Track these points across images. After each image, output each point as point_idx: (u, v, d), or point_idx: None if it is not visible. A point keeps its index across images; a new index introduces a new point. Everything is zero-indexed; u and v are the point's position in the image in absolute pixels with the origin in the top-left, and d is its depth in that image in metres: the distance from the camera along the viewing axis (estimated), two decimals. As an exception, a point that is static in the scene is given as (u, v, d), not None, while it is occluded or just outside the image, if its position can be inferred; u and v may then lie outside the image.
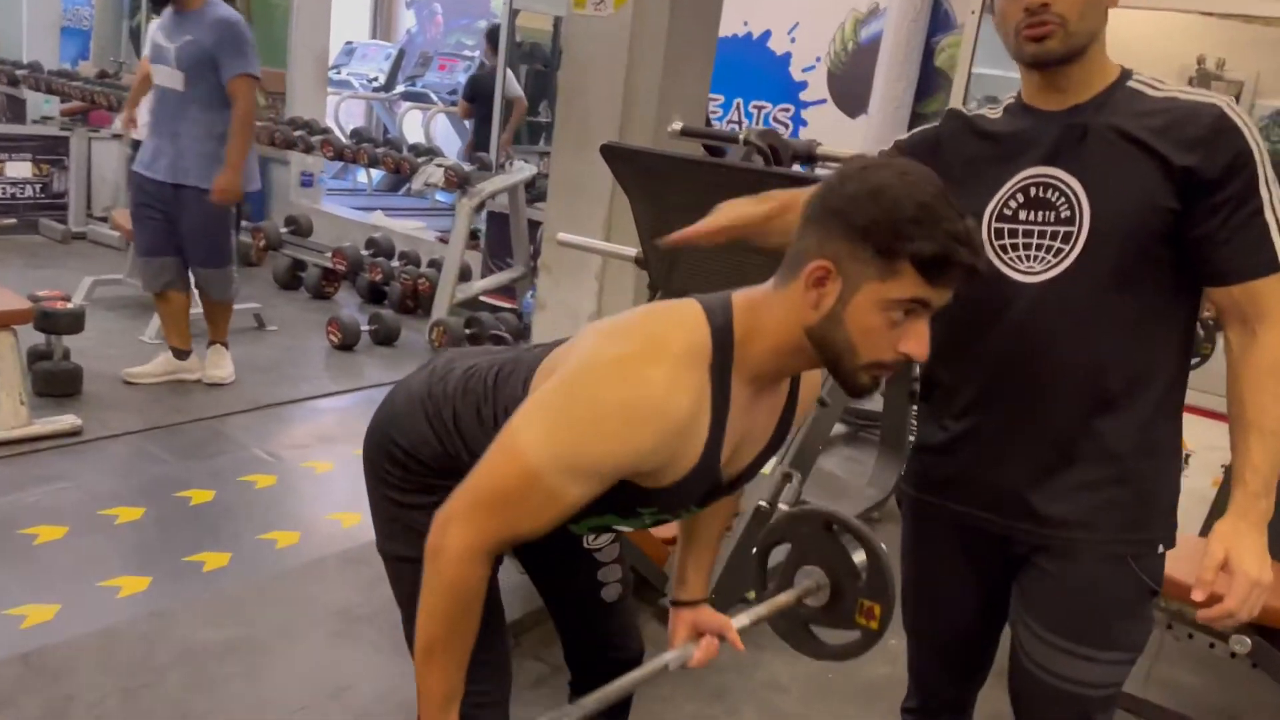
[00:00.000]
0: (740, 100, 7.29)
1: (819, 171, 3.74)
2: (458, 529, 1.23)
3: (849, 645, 1.58)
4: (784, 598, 1.55)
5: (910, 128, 6.22)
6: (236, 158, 4.02)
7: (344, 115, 9.62)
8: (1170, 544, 1.48)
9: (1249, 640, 2.43)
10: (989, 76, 4.90)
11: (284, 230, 6.50)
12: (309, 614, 2.73)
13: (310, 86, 7.57)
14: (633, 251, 3.50)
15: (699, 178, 3.01)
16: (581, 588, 1.68)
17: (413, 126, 10.30)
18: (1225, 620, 1.32)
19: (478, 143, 7.64)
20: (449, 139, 9.41)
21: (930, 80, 6.21)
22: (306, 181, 7.45)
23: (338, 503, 3.46)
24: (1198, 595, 1.31)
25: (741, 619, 1.52)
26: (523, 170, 5.89)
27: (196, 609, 2.68)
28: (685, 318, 1.25)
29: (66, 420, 3.71)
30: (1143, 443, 1.44)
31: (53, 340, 4.10)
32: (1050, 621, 1.48)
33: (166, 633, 2.55)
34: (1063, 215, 1.41)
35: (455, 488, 1.40)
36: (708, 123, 5.93)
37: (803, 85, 7.12)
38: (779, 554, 1.65)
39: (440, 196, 8.24)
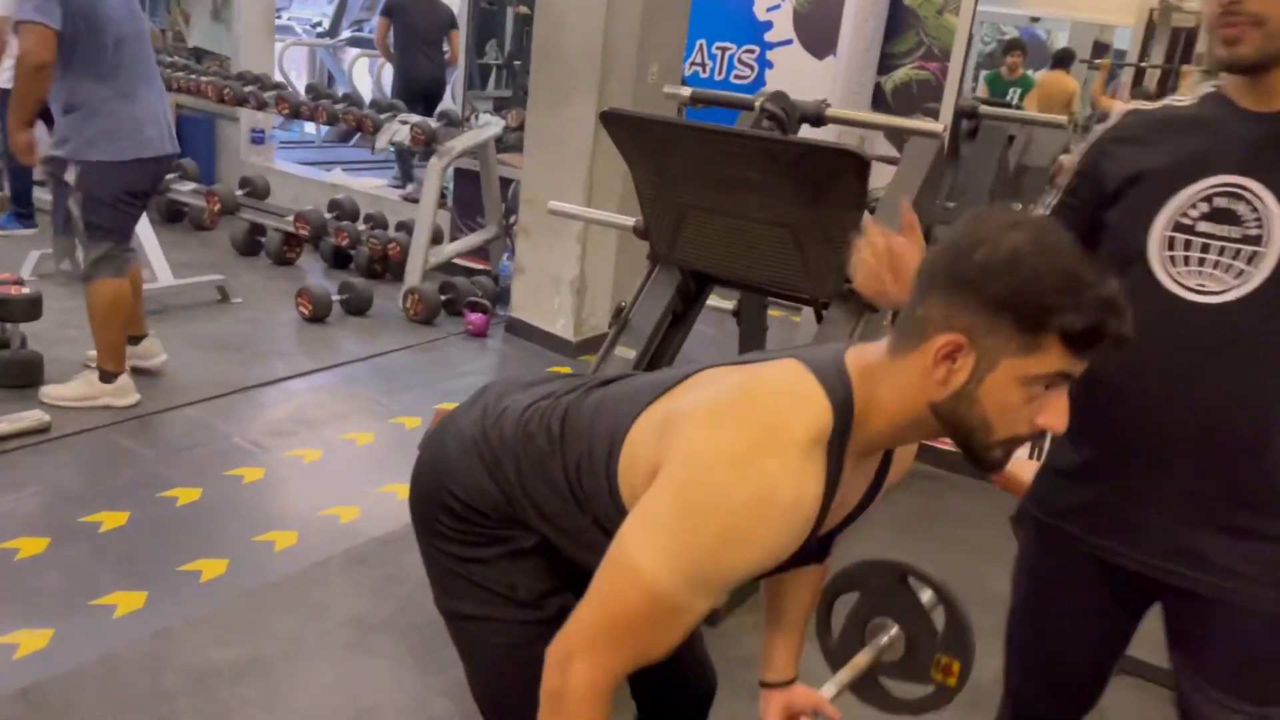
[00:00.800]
0: (703, 42, 7.08)
1: (826, 134, 3.60)
2: (582, 667, 1.11)
3: (923, 700, 1.50)
4: (863, 658, 1.47)
5: (880, 70, 6.16)
6: (12, 116, 3.46)
7: (287, 63, 9.19)
8: None
9: None
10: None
11: (239, 193, 6.21)
12: (320, 625, 2.59)
13: (257, 37, 7.19)
14: (630, 220, 3.34)
15: (708, 146, 2.86)
16: None
17: (361, 75, 9.91)
18: None
19: (402, 78, 7.24)
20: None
21: (900, 19, 6.04)
22: (258, 139, 7.12)
23: (332, 495, 3.31)
24: None
25: (829, 688, 1.44)
26: (490, 125, 5.66)
27: (201, 627, 2.53)
28: (802, 393, 1.10)
29: (33, 417, 3.49)
30: None
31: (8, 328, 3.85)
32: (1227, 684, 1.37)
33: (172, 656, 2.41)
34: (1252, 231, 1.29)
35: (523, 540, 1.28)
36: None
37: (767, 26, 6.92)
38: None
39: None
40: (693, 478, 1.07)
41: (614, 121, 2.93)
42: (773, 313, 4.30)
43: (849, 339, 3.03)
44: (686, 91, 3.22)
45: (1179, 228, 1.33)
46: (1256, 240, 1.28)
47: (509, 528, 1.29)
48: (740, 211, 2.92)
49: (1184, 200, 1.33)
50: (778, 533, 1.07)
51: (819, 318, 3.11)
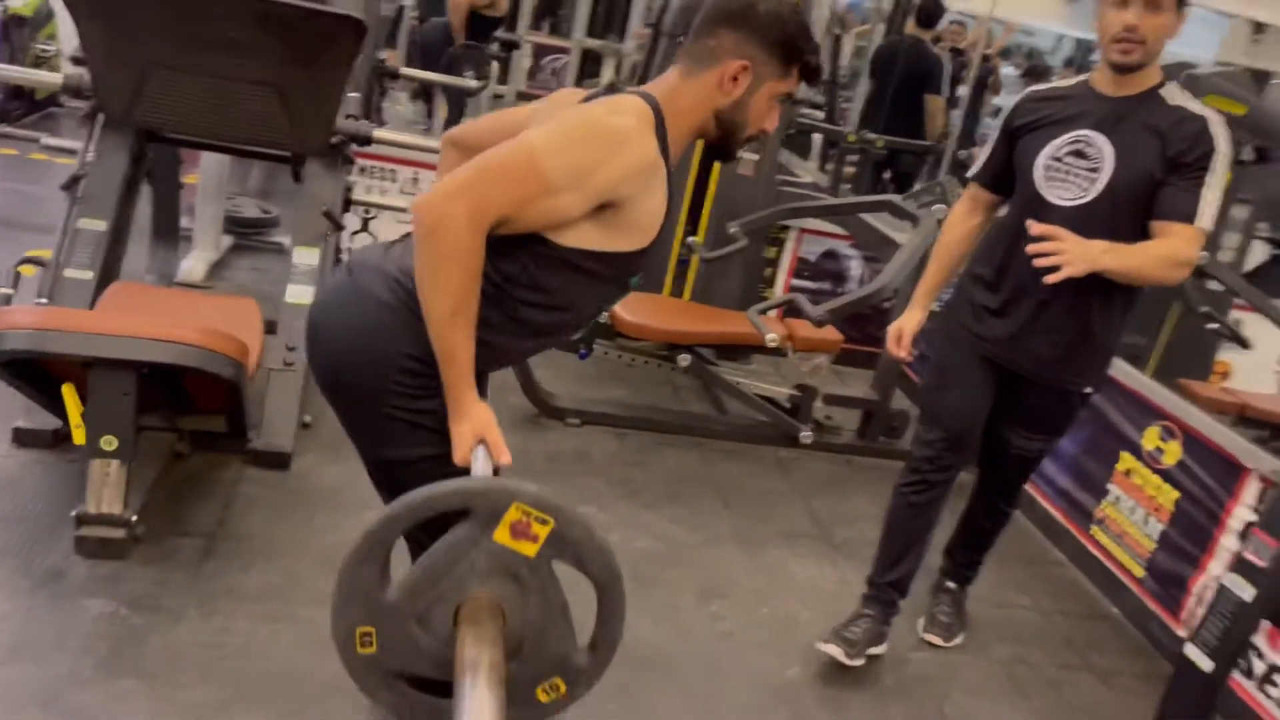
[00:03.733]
0: None
1: None
2: (461, 200, 1.38)
3: None
4: None
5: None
6: None
7: None
8: (1099, 389, 2.40)
9: (689, 357, 3.53)
10: None
11: None
12: None
13: None
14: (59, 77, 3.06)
15: (192, 4, 2.79)
16: None
17: None
18: (1056, 259, 1.92)
19: None
20: None
21: None
22: None
23: None
24: (1038, 233, 1.97)
25: None
26: None
27: None
28: (628, 101, 1.53)
29: None
30: (1106, 319, 2.25)
31: None
32: (1030, 425, 2.44)
33: None
34: (1092, 165, 2.13)
35: None
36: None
37: None
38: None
39: None
40: (576, 112, 1.49)
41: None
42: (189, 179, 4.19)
43: (334, 190, 3.30)
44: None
45: (1053, 158, 2.19)
46: (1095, 170, 2.14)
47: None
48: (220, 70, 2.94)
49: (1058, 144, 2.19)
50: (626, 154, 1.45)
51: (296, 175, 3.29)
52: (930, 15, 5.89)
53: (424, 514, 1.23)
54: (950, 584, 2.77)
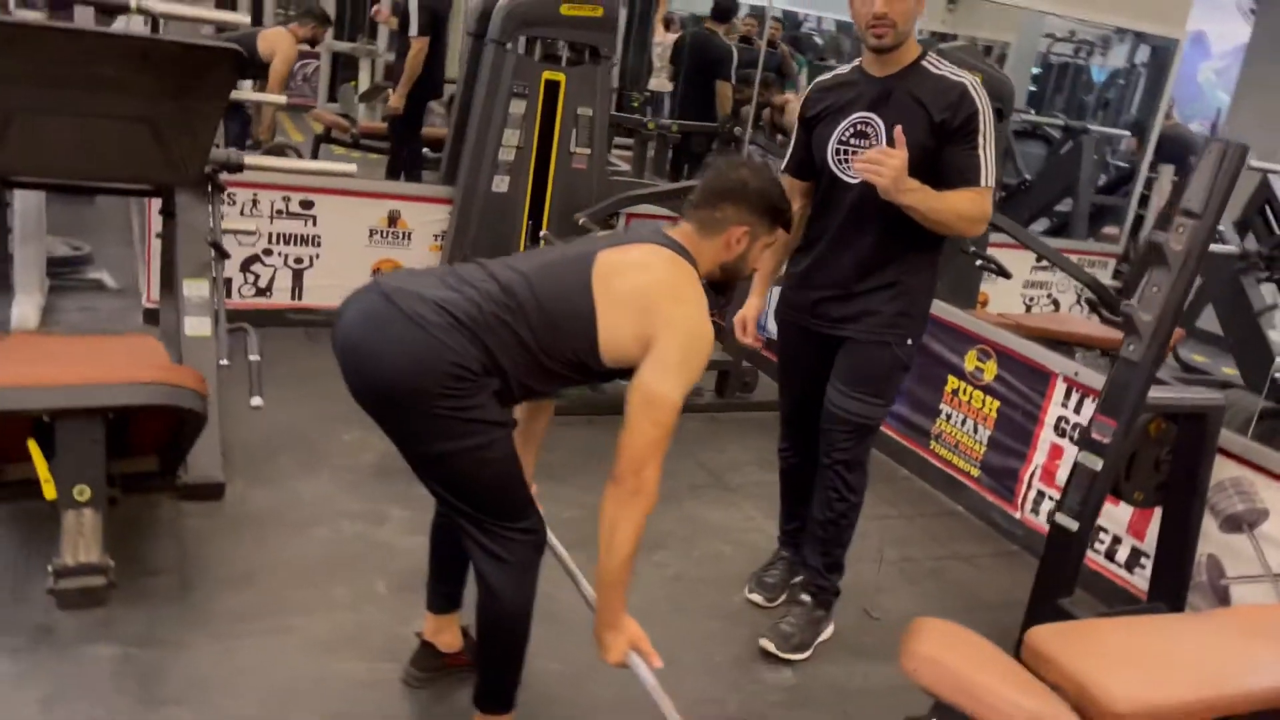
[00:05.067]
0: None
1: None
2: (651, 470, 1.76)
3: None
4: None
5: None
6: None
7: None
8: (919, 339, 2.50)
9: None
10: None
11: None
12: None
13: None
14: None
15: (58, 47, 2.73)
16: None
17: None
18: (876, 169, 2.19)
19: None
20: None
21: None
22: None
23: None
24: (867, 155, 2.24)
25: None
26: None
27: None
28: (684, 264, 1.90)
29: None
30: (908, 276, 2.41)
31: None
32: (849, 380, 2.47)
33: None
34: (874, 143, 2.31)
35: (494, 384, 1.81)
36: None
37: None
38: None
39: None
40: (687, 332, 1.81)
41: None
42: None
43: (209, 215, 3.31)
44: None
45: (840, 142, 2.38)
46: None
47: (489, 376, 1.77)
48: (91, 110, 2.90)
49: (843, 127, 2.38)
50: (710, 348, 1.88)
51: (171, 207, 3.27)
52: (724, 11, 6.46)
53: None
54: (803, 595, 2.69)
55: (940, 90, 2.30)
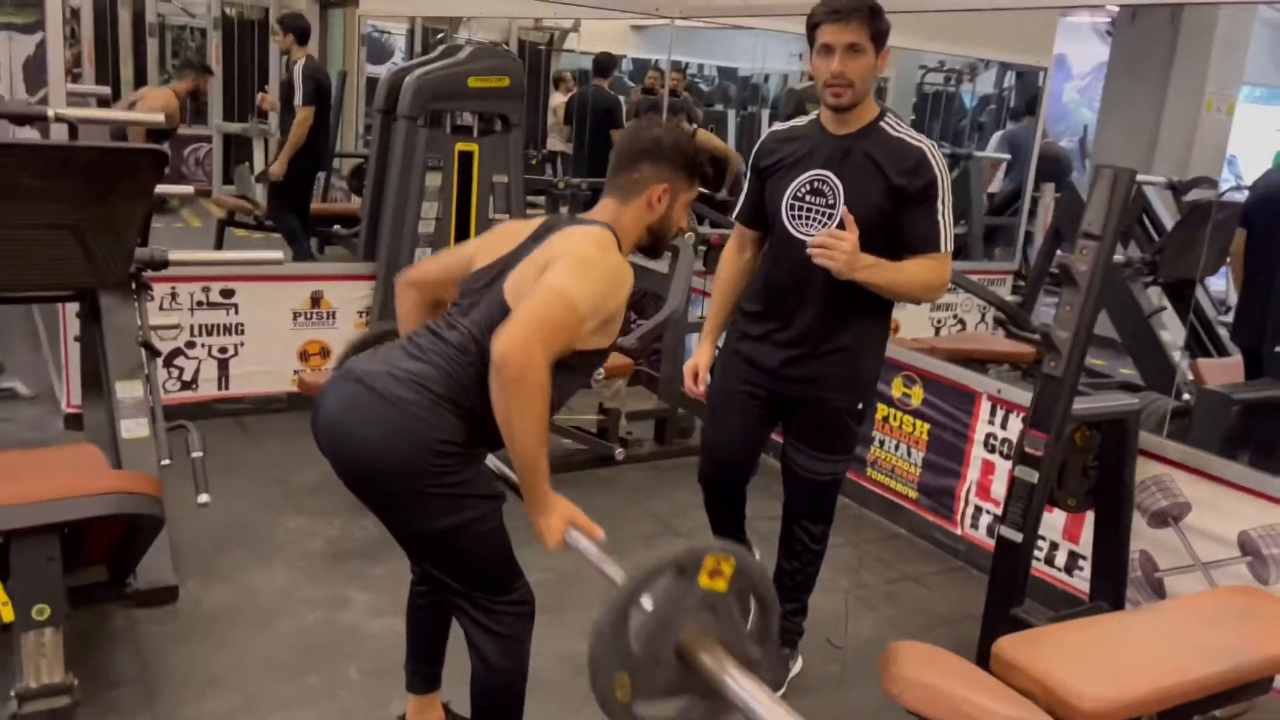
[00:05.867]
0: None
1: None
2: (539, 349, 1.68)
3: None
4: None
5: None
6: None
7: None
8: (871, 404, 2.52)
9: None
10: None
11: None
12: None
13: None
14: None
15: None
16: None
17: None
18: (829, 255, 2.19)
19: None
20: None
21: None
22: None
23: None
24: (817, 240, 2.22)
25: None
26: None
27: None
28: (600, 231, 1.93)
29: None
30: (861, 340, 2.40)
31: None
32: (812, 443, 2.47)
33: None
34: (830, 201, 2.31)
35: (479, 457, 1.84)
36: None
37: None
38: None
39: None
40: (585, 255, 1.83)
41: None
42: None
43: (135, 317, 3.27)
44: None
45: (795, 198, 2.35)
46: (833, 205, 2.29)
47: (473, 446, 1.81)
48: (12, 220, 2.85)
49: (798, 183, 2.35)
50: (627, 282, 1.87)
51: (94, 309, 3.22)
52: (603, 67, 6.64)
53: (657, 575, 1.46)
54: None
55: (899, 154, 2.30)
